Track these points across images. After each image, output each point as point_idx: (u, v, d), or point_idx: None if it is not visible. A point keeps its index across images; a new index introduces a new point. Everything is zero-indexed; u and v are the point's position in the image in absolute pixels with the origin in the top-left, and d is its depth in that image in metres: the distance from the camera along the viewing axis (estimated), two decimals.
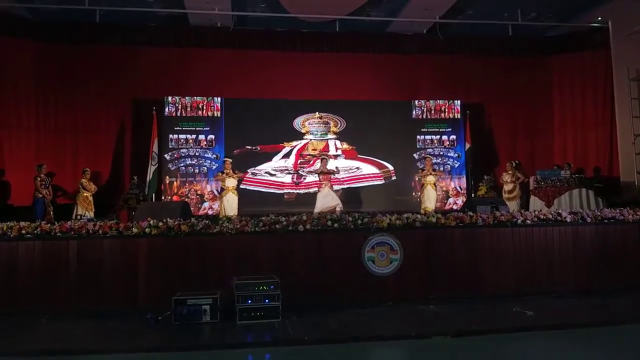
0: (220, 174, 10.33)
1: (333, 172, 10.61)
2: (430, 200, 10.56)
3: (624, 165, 11.36)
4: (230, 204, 9.99)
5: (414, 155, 12.21)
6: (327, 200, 9.95)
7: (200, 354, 5.12)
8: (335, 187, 10.96)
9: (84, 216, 9.44)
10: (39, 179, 10.17)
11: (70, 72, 11.43)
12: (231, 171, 10.24)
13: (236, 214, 9.52)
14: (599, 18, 11.91)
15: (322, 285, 6.67)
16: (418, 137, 12.35)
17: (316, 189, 11.60)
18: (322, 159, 10.76)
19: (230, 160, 10.50)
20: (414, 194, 11.99)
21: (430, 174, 10.73)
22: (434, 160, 11.87)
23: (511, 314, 5.99)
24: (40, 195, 10.11)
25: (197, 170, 11.55)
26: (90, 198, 10.59)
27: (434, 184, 10.74)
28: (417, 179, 11.47)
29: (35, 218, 8.66)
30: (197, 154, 11.58)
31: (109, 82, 11.57)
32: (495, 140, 12.98)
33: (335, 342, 5.22)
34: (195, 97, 11.66)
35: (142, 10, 10.90)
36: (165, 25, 11.94)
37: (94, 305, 6.35)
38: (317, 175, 10.62)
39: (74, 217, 9.56)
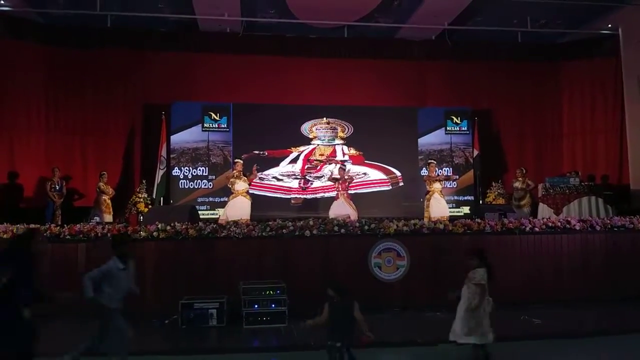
0: (232, 176, 9.66)
1: (349, 180, 10.43)
2: (440, 209, 10.06)
3: (634, 173, 11.27)
4: (239, 210, 9.33)
5: (421, 161, 12.17)
6: (339, 209, 9.73)
7: (207, 358, 5.13)
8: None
9: (92, 219, 9.46)
10: (49, 183, 10.24)
11: (80, 76, 11.51)
12: (241, 174, 9.58)
13: (248, 219, 8.97)
14: (609, 25, 11.85)
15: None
16: (425, 143, 12.32)
17: (322, 194, 11.60)
18: (340, 168, 10.61)
19: (242, 161, 9.87)
20: (421, 200, 11.94)
21: (436, 180, 10.38)
22: (442, 171, 11.73)
23: (519, 321, 5.96)
24: (50, 199, 10.17)
25: (205, 174, 11.58)
26: (109, 201, 10.63)
27: (441, 190, 10.42)
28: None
29: (45, 221, 8.71)
30: (205, 158, 11.63)
31: (119, 86, 11.65)
32: (504, 146, 12.93)
33: None
34: (203, 102, 11.72)
35: (152, 15, 10.96)
36: (175, 31, 12.01)
37: None
38: (334, 182, 10.40)
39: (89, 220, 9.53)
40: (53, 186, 10.26)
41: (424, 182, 10.47)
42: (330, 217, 8.79)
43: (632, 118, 11.46)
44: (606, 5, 11.02)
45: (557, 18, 11.80)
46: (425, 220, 9.20)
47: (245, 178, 9.60)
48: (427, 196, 10.25)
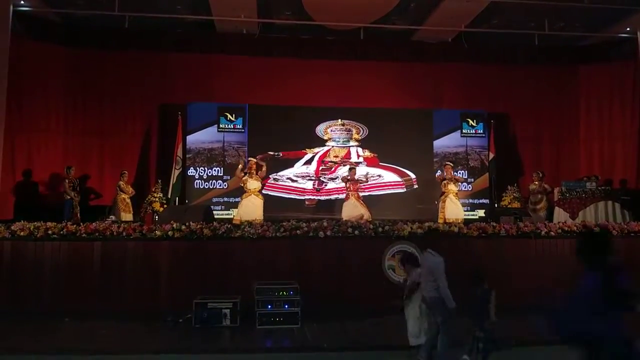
0: (243, 175, 9.84)
1: (361, 181, 10.44)
2: (455, 210, 10.10)
3: None
4: (251, 209, 9.49)
5: (436, 163, 12.11)
6: (352, 210, 9.75)
7: (219, 357, 5.16)
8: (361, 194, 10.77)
9: (107, 218, 9.55)
10: (67, 181, 10.37)
11: (98, 76, 11.63)
12: (255, 173, 9.81)
13: (261, 218, 9.12)
14: (627, 29, 11.70)
15: (341, 292, 6.66)
16: (441, 145, 12.27)
17: (337, 195, 11.59)
18: (350, 169, 10.63)
19: (255, 160, 10.11)
20: (436, 202, 11.88)
21: (452, 182, 10.38)
22: (458, 172, 11.71)
23: (533, 326, 5.88)
24: (69, 197, 10.29)
25: (220, 174, 11.65)
26: (128, 200, 10.74)
27: (456, 193, 10.42)
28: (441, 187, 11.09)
29: (63, 219, 8.82)
30: (220, 159, 11.69)
31: (136, 87, 11.75)
32: (520, 150, 12.81)
33: (354, 350, 5.22)
34: (219, 103, 11.79)
35: (170, 17, 11.06)
36: (192, 32, 12.11)
37: (116, 306, 6.44)
38: (345, 183, 10.45)
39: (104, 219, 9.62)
40: (71, 185, 10.39)
41: (439, 183, 10.45)
42: (343, 219, 8.82)
43: None
44: (625, 8, 10.87)
45: (575, 21, 11.66)
46: (440, 221, 9.19)
47: (258, 177, 9.71)
48: (442, 197, 10.25)
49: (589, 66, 12.74)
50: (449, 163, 10.82)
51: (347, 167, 11.02)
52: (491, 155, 12.09)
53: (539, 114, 12.82)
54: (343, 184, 11.07)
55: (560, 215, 10.30)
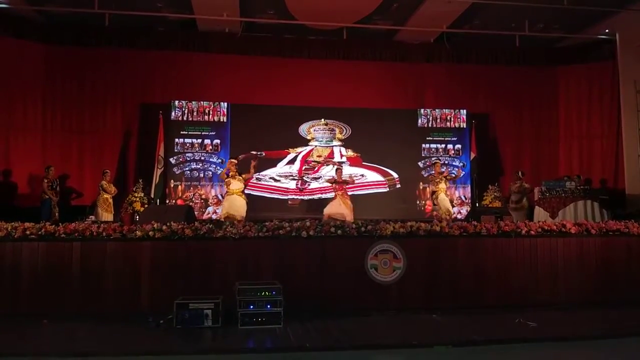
0: (225, 176, 9.63)
1: (347, 182, 10.48)
2: (447, 206, 10.26)
3: (630, 178, 11.31)
4: (234, 208, 9.28)
5: (419, 163, 12.20)
6: (335, 208, 9.77)
7: (201, 359, 5.12)
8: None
9: (87, 218, 9.43)
10: (46, 180, 10.21)
11: (78, 74, 11.51)
12: (237, 174, 9.51)
13: (243, 217, 9.05)
14: (607, 30, 11.90)
15: (324, 292, 6.66)
16: (423, 145, 12.36)
17: (320, 195, 11.61)
18: (337, 169, 10.66)
19: (235, 161, 9.72)
20: (418, 202, 11.98)
21: (442, 180, 10.45)
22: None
23: (514, 324, 5.95)
24: (47, 197, 10.13)
25: (202, 175, 11.58)
26: (110, 200, 10.60)
27: (446, 191, 10.55)
28: (429, 187, 11.10)
29: (41, 219, 8.66)
30: (202, 158, 11.62)
31: (117, 85, 11.65)
32: (501, 150, 12.97)
33: (337, 350, 5.20)
34: (201, 102, 11.71)
35: (151, 14, 10.96)
36: (174, 30, 12.02)
37: (96, 308, 6.35)
38: (331, 184, 10.51)
39: (88, 219, 9.48)
40: (49, 184, 10.23)
41: (430, 182, 10.57)
42: (324, 215, 8.87)
43: (628, 123, 11.51)
44: (604, 10, 11.05)
45: (555, 22, 11.85)
46: (443, 215, 9.39)
47: (241, 178, 9.56)
48: (434, 195, 10.37)
49: (568, 67, 12.97)
50: (438, 160, 10.95)
51: (332, 166, 11.05)
52: (472, 155, 12.22)
53: (519, 114, 13.02)
54: (327, 184, 11.12)
55: (540, 214, 10.44)
